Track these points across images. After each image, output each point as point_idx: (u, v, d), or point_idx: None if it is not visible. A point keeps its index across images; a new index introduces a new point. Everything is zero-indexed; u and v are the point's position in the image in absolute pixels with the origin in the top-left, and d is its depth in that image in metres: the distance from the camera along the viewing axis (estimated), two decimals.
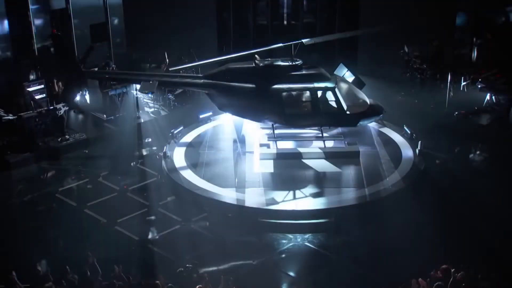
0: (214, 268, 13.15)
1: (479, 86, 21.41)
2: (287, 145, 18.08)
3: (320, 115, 17.12)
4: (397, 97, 22.64)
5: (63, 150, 19.14)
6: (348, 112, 17.04)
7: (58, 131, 19.70)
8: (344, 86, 17.46)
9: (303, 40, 17.26)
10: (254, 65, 17.28)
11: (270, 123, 17.97)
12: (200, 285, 11.28)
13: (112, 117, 21.12)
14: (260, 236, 14.89)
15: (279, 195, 16.01)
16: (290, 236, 15.02)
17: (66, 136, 19.46)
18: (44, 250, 14.01)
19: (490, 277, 11.56)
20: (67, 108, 19.94)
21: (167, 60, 21.37)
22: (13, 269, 12.09)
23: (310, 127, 18.19)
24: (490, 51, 23.01)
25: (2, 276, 11.85)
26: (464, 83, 22.46)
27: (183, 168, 17.44)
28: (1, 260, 13.32)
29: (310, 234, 15.05)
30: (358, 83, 18.51)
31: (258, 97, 17.16)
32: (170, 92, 22.09)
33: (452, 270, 11.47)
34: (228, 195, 16.02)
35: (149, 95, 21.56)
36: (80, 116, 21.24)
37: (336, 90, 17.11)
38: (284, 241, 14.84)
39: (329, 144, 18.08)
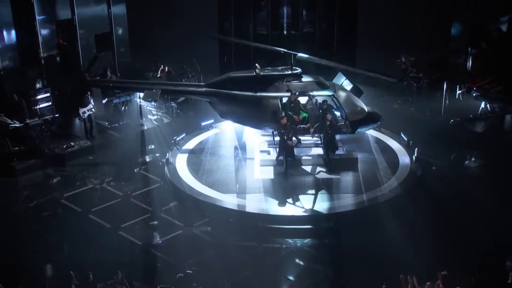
0: (215, 272, 13.08)
1: (474, 95, 21.38)
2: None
3: (319, 122, 17.15)
4: (394, 105, 22.65)
5: (68, 156, 19.09)
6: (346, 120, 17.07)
7: (86, 134, 19.96)
8: (342, 94, 17.47)
9: (298, 54, 17.25)
10: (254, 74, 17.28)
11: (270, 131, 17.95)
12: None
13: (116, 125, 21.10)
14: (260, 241, 14.82)
15: (279, 200, 15.97)
16: (290, 240, 14.97)
17: (71, 143, 19.42)
18: (49, 255, 13.91)
19: (483, 280, 11.49)
20: (92, 112, 19.95)
21: (160, 70, 21.76)
22: (18, 274, 12.09)
23: (309, 134, 18.13)
24: (485, 60, 23.01)
25: (8, 280, 11.82)
26: (460, 91, 22.43)
27: (185, 174, 17.40)
28: (7, 265, 13.23)
29: (309, 239, 15.01)
30: (356, 91, 18.53)
31: (258, 105, 17.17)
32: (173, 100, 22.09)
33: (448, 276, 11.40)
34: (229, 200, 15.97)
35: (152, 103, 21.60)
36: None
37: (335, 98, 17.14)
38: (284, 246, 14.78)
39: None
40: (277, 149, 17.34)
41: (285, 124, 16.49)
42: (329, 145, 17.04)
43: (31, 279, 12.15)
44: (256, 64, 17.42)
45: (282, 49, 17.45)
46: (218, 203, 15.89)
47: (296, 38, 24.93)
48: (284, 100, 17.30)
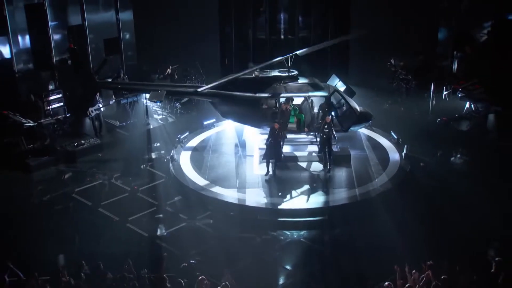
0: (217, 262, 13.10)
1: (459, 95, 21.47)
2: (284, 149, 17.98)
3: (314, 121, 17.16)
4: (384, 105, 22.68)
5: (79, 153, 19.12)
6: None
7: (96, 133, 19.98)
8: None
9: (297, 52, 17.27)
10: (253, 76, 17.28)
11: (268, 129, 17.94)
12: (203, 276, 11.18)
13: (124, 124, 21.12)
14: (259, 233, 14.84)
15: (277, 195, 16.00)
16: (287, 232, 15.01)
17: (82, 141, 19.43)
18: (61, 245, 13.96)
19: (468, 270, 11.51)
20: (99, 112, 19.92)
21: (169, 70, 21.78)
22: (34, 263, 12.08)
23: (305, 132, 18.14)
24: (470, 64, 23.06)
25: (24, 269, 11.86)
26: (446, 92, 22.51)
27: (188, 170, 17.42)
28: (22, 255, 13.25)
29: (305, 231, 15.05)
30: (349, 92, 18.53)
31: (257, 105, 17.18)
32: (177, 100, 22.10)
33: (435, 265, 11.43)
34: (230, 195, 16.00)
35: (158, 103, 21.63)
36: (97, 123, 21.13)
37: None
38: (281, 237, 14.81)
39: None
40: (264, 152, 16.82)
41: (277, 129, 16.40)
42: (327, 145, 16.87)
43: (46, 268, 12.18)
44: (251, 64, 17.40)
45: (279, 58, 17.42)
46: (220, 197, 15.92)
47: (292, 42, 24.90)
48: (282, 101, 17.32)
